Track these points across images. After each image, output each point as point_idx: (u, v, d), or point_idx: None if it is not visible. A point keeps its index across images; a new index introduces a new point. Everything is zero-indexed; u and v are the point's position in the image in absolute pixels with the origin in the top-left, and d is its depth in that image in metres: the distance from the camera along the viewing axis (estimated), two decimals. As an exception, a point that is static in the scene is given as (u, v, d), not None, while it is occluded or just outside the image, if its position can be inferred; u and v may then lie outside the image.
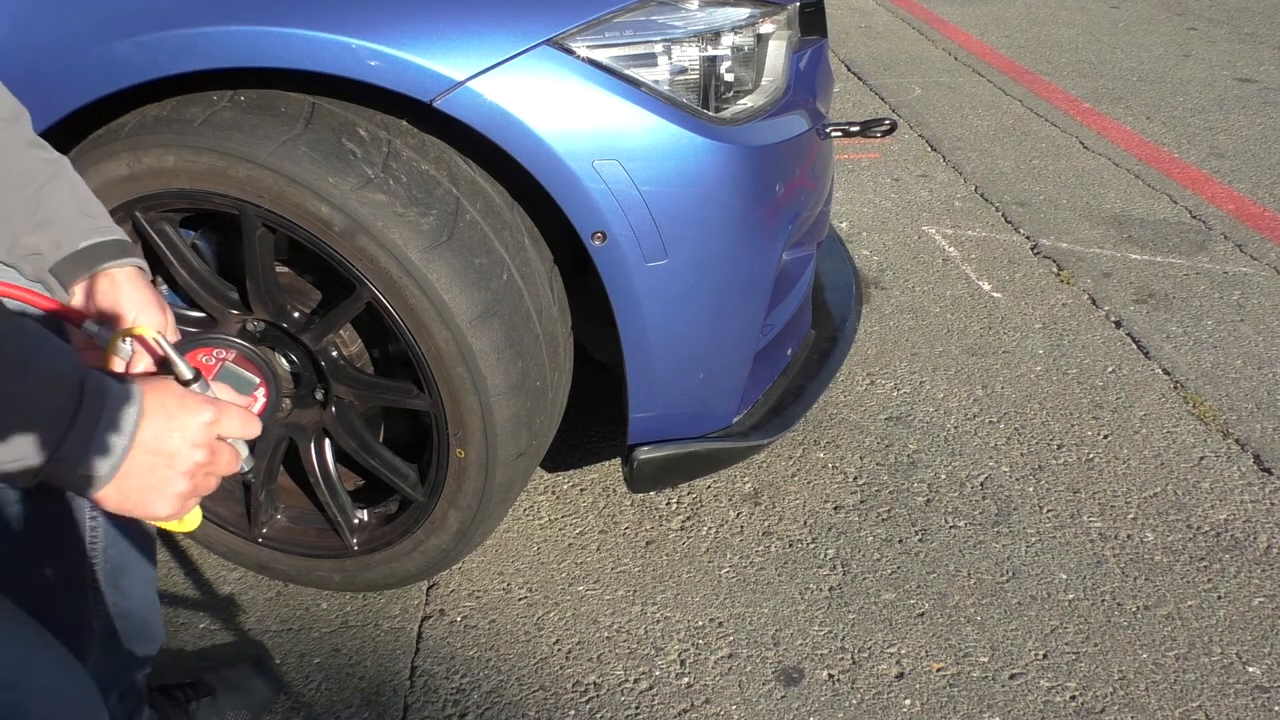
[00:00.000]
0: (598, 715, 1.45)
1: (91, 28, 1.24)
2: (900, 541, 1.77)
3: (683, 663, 1.53)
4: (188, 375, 0.80)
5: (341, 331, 1.43)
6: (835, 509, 1.85)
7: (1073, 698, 1.48)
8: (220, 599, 1.63)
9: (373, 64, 1.20)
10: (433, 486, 1.44)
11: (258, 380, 0.94)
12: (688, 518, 1.82)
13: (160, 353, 0.83)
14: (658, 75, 1.31)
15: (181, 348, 0.89)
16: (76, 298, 0.94)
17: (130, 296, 0.92)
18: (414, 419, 1.57)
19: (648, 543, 1.77)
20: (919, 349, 2.37)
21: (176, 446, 0.73)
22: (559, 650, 1.55)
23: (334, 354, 1.43)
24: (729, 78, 1.38)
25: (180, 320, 1.48)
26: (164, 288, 1.56)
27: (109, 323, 0.91)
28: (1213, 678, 1.51)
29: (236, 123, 1.26)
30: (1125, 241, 2.91)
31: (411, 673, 1.51)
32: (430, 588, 1.67)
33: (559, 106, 1.24)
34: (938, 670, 1.52)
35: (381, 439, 1.56)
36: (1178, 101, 4.15)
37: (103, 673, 1.12)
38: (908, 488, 1.91)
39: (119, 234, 0.96)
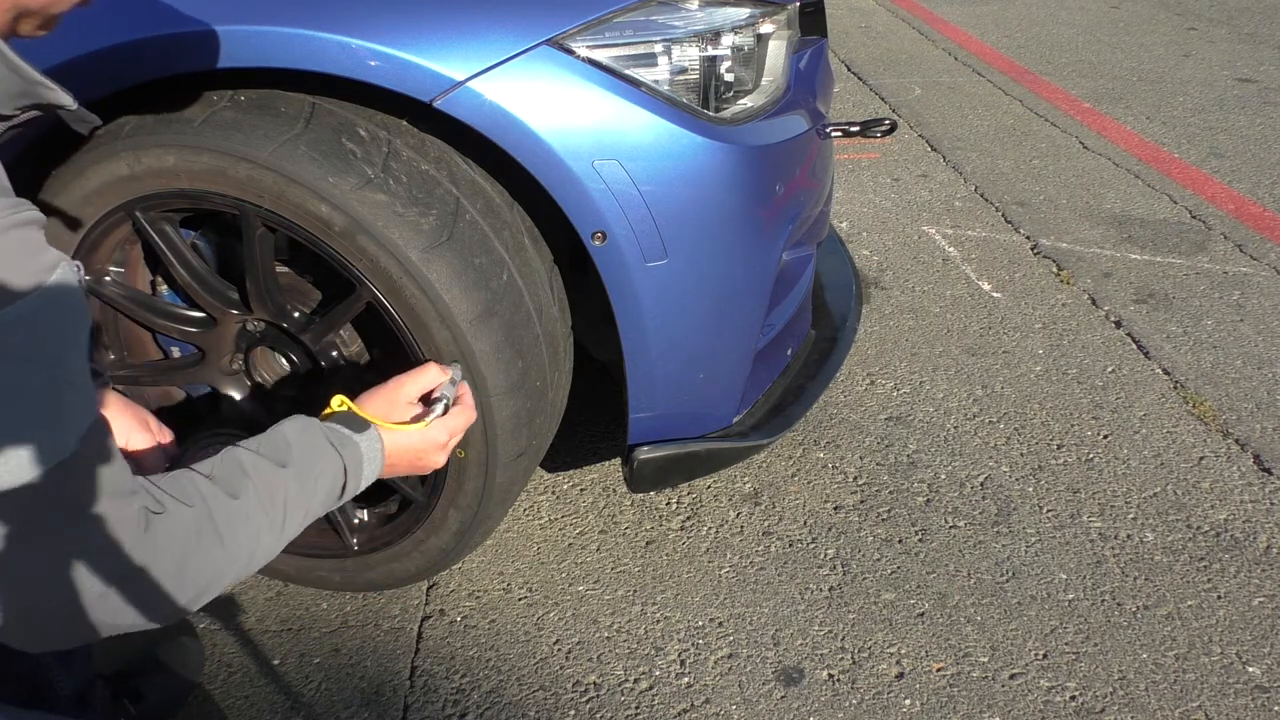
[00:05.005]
0: (598, 715, 1.45)
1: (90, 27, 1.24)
2: (900, 541, 1.77)
3: (683, 663, 1.53)
4: None
5: (341, 331, 1.43)
6: (835, 509, 1.85)
7: (1073, 698, 1.48)
8: (220, 599, 1.63)
9: (373, 64, 1.20)
10: (433, 486, 1.44)
11: None
12: (688, 518, 1.82)
13: None
14: (658, 75, 1.30)
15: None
16: None
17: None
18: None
19: (648, 543, 1.77)
20: (919, 349, 2.37)
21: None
22: (559, 650, 1.55)
23: (334, 354, 1.43)
24: (729, 78, 1.38)
25: (180, 320, 1.49)
26: (164, 288, 1.56)
27: None
28: (1213, 678, 1.51)
29: (236, 123, 1.26)
30: (1125, 241, 2.91)
31: (411, 673, 1.51)
32: (430, 588, 1.67)
33: (559, 106, 1.24)
34: (938, 670, 1.52)
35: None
36: (1178, 101, 4.15)
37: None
38: (908, 488, 1.91)
39: None
